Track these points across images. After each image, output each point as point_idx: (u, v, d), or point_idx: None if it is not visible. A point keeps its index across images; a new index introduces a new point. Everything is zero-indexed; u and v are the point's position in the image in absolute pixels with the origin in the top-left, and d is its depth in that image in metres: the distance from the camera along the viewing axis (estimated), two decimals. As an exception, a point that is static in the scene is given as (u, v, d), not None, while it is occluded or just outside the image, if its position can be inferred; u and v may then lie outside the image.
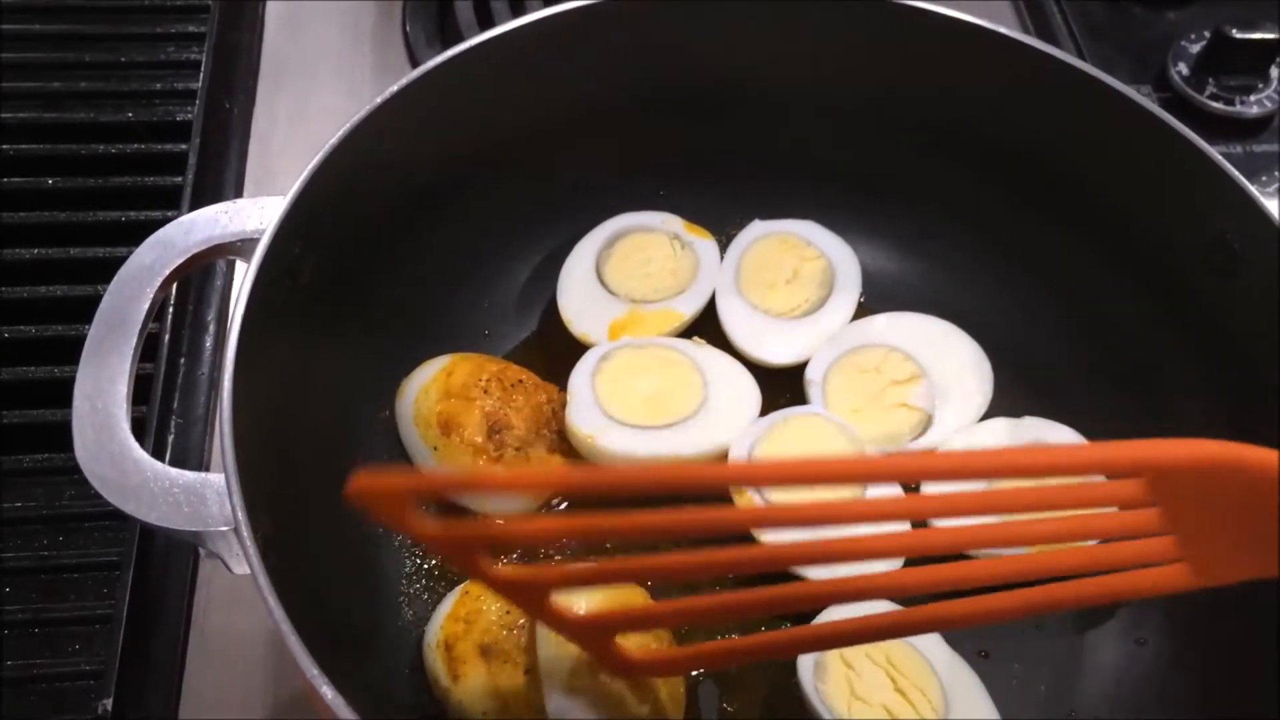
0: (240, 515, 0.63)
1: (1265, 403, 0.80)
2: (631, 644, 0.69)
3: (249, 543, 0.62)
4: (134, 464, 0.66)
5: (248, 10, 1.26)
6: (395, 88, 0.82)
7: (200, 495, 0.66)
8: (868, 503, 0.76)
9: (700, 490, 0.58)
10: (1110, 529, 0.59)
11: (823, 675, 0.77)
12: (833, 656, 0.78)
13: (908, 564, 0.75)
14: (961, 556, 0.63)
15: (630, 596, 0.77)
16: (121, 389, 0.69)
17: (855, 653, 0.78)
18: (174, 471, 0.66)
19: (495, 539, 0.66)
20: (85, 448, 0.67)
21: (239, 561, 0.67)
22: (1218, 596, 0.79)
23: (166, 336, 0.97)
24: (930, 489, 0.75)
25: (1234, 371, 0.84)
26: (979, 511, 0.55)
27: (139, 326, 0.71)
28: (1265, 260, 0.79)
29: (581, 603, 0.67)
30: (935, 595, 0.60)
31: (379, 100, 0.81)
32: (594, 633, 0.64)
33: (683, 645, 0.79)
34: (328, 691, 0.58)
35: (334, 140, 0.78)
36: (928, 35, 0.90)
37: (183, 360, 0.98)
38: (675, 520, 0.55)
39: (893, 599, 0.71)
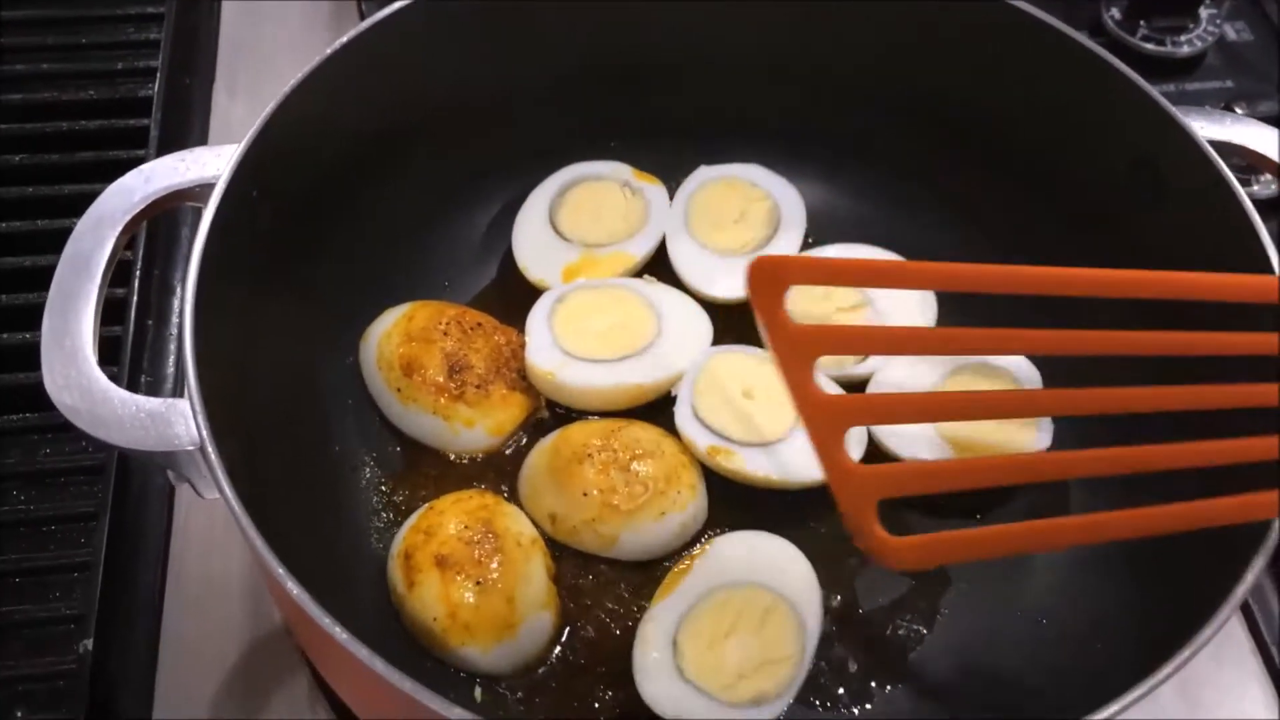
0: (205, 433, 0.65)
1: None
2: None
3: (215, 459, 0.65)
4: (101, 392, 0.68)
5: (205, -9, 1.29)
6: (347, 37, 0.85)
7: (166, 419, 0.68)
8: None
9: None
10: None
11: None
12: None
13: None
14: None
15: None
16: (87, 327, 0.71)
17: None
18: (140, 398, 0.68)
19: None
20: (53, 379, 0.69)
21: (208, 485, 0.69)
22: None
23: (134, 299, 1.00)
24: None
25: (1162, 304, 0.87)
26: None
27: (102, 268, 0.74)
28: (1193, 186, 0.82)
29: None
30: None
31: (332, 49, 0.84)
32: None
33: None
34: (293, 588, 0.61)
35: (288, 88, 0.81)
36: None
37: (150, 323, 1.01)
38: None
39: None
